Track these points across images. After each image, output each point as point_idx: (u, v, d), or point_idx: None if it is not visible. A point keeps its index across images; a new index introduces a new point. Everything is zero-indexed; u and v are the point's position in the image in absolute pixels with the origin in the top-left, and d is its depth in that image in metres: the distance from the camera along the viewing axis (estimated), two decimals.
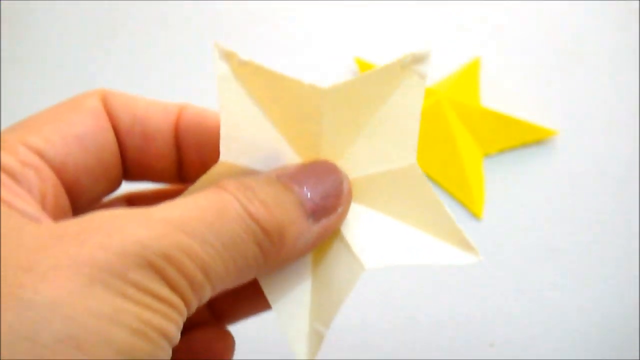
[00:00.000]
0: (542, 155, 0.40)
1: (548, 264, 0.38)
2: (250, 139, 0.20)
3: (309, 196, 0.19)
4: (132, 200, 0.24)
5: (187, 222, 0.16)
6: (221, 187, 0.18)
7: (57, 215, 0.19)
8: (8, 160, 0.18)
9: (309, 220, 0.19)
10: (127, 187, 0.23)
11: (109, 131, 0.20)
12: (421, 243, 0.21)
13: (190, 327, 0.23)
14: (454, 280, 0.38)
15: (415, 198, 0.21)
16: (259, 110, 0.20)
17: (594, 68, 0.41)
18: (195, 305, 0.17)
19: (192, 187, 0.20)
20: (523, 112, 0.40)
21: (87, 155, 0.20)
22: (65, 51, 0.44)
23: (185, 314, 0.17)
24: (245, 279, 0.18)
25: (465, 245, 0.20)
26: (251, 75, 0.20)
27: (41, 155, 0.19)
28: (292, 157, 0.21)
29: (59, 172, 0.19)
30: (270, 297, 0.21)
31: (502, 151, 0.40)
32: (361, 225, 0.21)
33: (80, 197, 0.20)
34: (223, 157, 0.20)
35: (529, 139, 0.39)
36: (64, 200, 0.19)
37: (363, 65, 0.41)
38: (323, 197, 0.19)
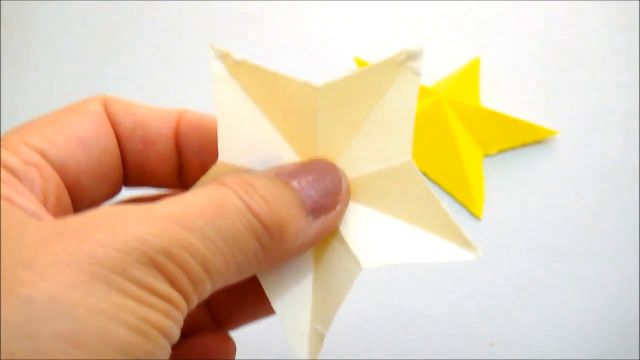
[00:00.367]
0: (542, 155, 0.40)
1: (548, 264, 0.38)
2: (248, 139, 0.20)
3: (308, 194, 0.19)
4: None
5: (188, 217, 0.16)
6: (221, 183, 0.18)
7: (59, 214, 0.19)
8: (10, 158, 0.18)
9: (308, 218, 0.19)
10: (128, 194, 0.23)
11: (111, 135, 0.20)
12: (419, 241, 0.21)
13: (191, 332, 0.23)
14: (454, 280, 0.38)
15: (412, 196, 0.21)
16: (256, 109, 0.20)
17: (594, 68, 0.41)
18: (195, 301, 0.17)
19: (192, 188, 0.20)
20: (523, 112, 0.40)
21: (88, 157, 0.20)
22: (65, 51, 0.44)
23: (185, 311, 0.17)
24: (245, 275, 0.18)
25: (464, 241, 0.20)
26: (246, 75, 0.20)
27: (43, 154, 0.19)
28: (290, 156, 0.21)
29: (61, 172, 0.19)
30: (271, 297, 0.21)
31: (502, 151, 0.40)
32: (359, 224, 0.21)
33: (81, 199, 0.20)
34: (221, 157, 0.20)
35: (528, 139, 0.39)
36: (66, 200, 0.19)
37: (363, 66, 0.41)
38: (322, 194, 0.19)
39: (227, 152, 0.20)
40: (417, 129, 0.20)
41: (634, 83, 0.40)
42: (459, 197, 0.39)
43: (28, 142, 0.19)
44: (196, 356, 0.23)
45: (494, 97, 0.41)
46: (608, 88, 0.40)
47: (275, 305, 0.21)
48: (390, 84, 0.20)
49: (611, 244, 0.38)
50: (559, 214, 0.39)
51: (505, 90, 0.41)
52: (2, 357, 0.13)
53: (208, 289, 0.17)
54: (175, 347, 0.22)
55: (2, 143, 0.18)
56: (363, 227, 0.21)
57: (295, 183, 0.19)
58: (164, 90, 0.42)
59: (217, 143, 0.20)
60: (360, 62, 0.41)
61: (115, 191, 0.22)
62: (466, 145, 0.39)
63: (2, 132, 0.19)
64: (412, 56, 0.20)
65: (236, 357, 0.24)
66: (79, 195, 0.20)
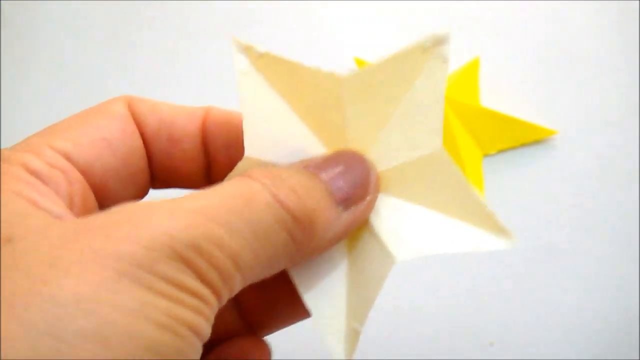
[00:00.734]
0: (542, 155, 0.40)
1: (548, 264, 0.38)
2: (274, 133, 0.20)
3: (337, 185, 0.19)
4: None
5: (215, 211, 0.16)
6: (248, 176, 0.18)
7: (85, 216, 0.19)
8: (34, 162, 0.17)
9: (338, 209, 0.19)
10: (155, 195, 0.23)
11: (136, 135, 0.20)
12: (453, 230, 0.20)
13: (224, 338, 0.22)
14: (454, 280, 0.38)
15: (444, 184, 0.20)
16: (282, 102, 0.20)
17: (593, 68, 0.41)
18: (225, 297, 0.16)
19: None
20: (523, 111, 0.40)
21: (114, 159, 0.19)
22: (65, 51, 0.44)
23: (215, 307, 0.16)
24: (276, 269, 0.18)
25: (499, 229, 0.20)
26: (270, 67, 0.19)
27: (68, 157, 0.18)
28: (317, 149, 0.20)
29: (87, 175, 0.19)
30: (305, 295, 0.20)
31: (501, 151, 0.40)
32: (390, 216, 0.20)
33: (107, 201, 0.20)
34: (248, 152, 0.19)
35: (528, 139, 0.39)
36: (92, 203, 0.19)
37: (363, 66, 0.41)
38: (351, 185, 0.19)
39: (253, 147, 0.20)
40: None
41: (633, 83, 0.40)
42: None
43: (52, 145, 0.18)
44: None
45: (494, 97, 0.41)
46: (607, 88, 0.40)
47: (308, 302, 0.20)
48: (418, 72, 0.19)
49: (611, 243, 0.38)
50: (558, 213, 0.39)
51: (505, 90, 0.41)
52: (27, 358, 0.13)
53: (238, 284, 0.16)
54: (209, 354, 0.21)
55: (26, 147, 0.18)
56: (395, 220, 0.20)
57: (323, 175, 0.19)
58: (166, 90, 0.42)
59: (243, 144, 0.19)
60: (360, 62, 0.41)
61: (143, 193, 0.21)
62: (466, 145, 0.39)
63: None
64: (439, 41, 0.19)
65: None
66: (106, 198, 0.20)
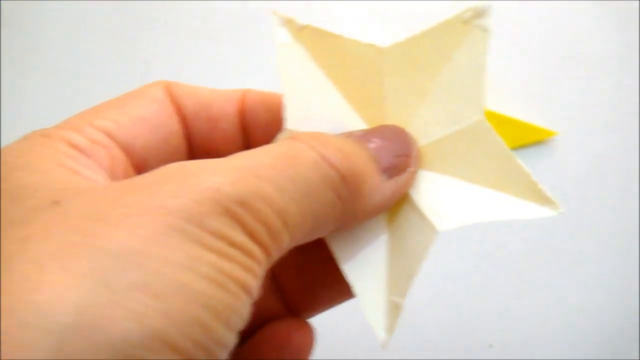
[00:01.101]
0: (542, 156, 0.40)
1: (548, 264, 0.38)
2: (314, 105, 0.20)
3: (381, 154, 0.19)
4: None
5: (262, 169, 0.16)
6: (293, 138, 0.18)
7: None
8: (76, 137, 0.17)
9: (382, 177, 0.18)
10: None
11: (175, 117, 0.20)
12: (494, 200, 0.19)
13: (266, 320, 0.22)
14: (453, 281, 0.38)
15: (485, 155, 0.20)
16: (322, 75, 0.20)
17: (593, 69, 0.41)
18: (275, 255, 0.16)
19: None
20: (523, 113, 0.40)
21: (155, 137, 0.19)
22: (65, 51, 0.44)
23: (265, 266, 0.16)
24: (322, 231, 0.18)
25: (543, 198, 0.20)
26: (311, 40, 0.20)
27: (110, 135, 0.18)
28: (357, 124, 0.20)
29: (128, 152, 0.19)
30: (344, 267, 0.20)
31: None
32: (431, 190, 0.20)
33: None
34: (287, 125, 0.19)
35: (528, 140, 0.39)
36: None
37: None
38: (394, 155, 0.19)
39: (294, 120, 0.19)
40: None
41: (633, 83, 0.40)
42: None
43: (94, 123, 0.18)
44: (274, 344, 0.21)
45: (494, 98, 0.41)
46: (607, 88, 0.40)
47: (348, 274, 0.20)
48: (458, 44, 0.19)
49: (611, 244, 0.38)
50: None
51: (505, 91, 0.41)
52: (80, 306, 0.13)
53: (286, 243, 0.16)
54: (250, 337, 0.21)
55: (67, 125, 0.18)
56: (436, 193, 0.20)
57: (367, 143, 0.19)
58: None
59: (282, 120, 0.19)
60: None
61: None
62: None
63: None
64: (479, 13, 0.19)
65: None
66: None
